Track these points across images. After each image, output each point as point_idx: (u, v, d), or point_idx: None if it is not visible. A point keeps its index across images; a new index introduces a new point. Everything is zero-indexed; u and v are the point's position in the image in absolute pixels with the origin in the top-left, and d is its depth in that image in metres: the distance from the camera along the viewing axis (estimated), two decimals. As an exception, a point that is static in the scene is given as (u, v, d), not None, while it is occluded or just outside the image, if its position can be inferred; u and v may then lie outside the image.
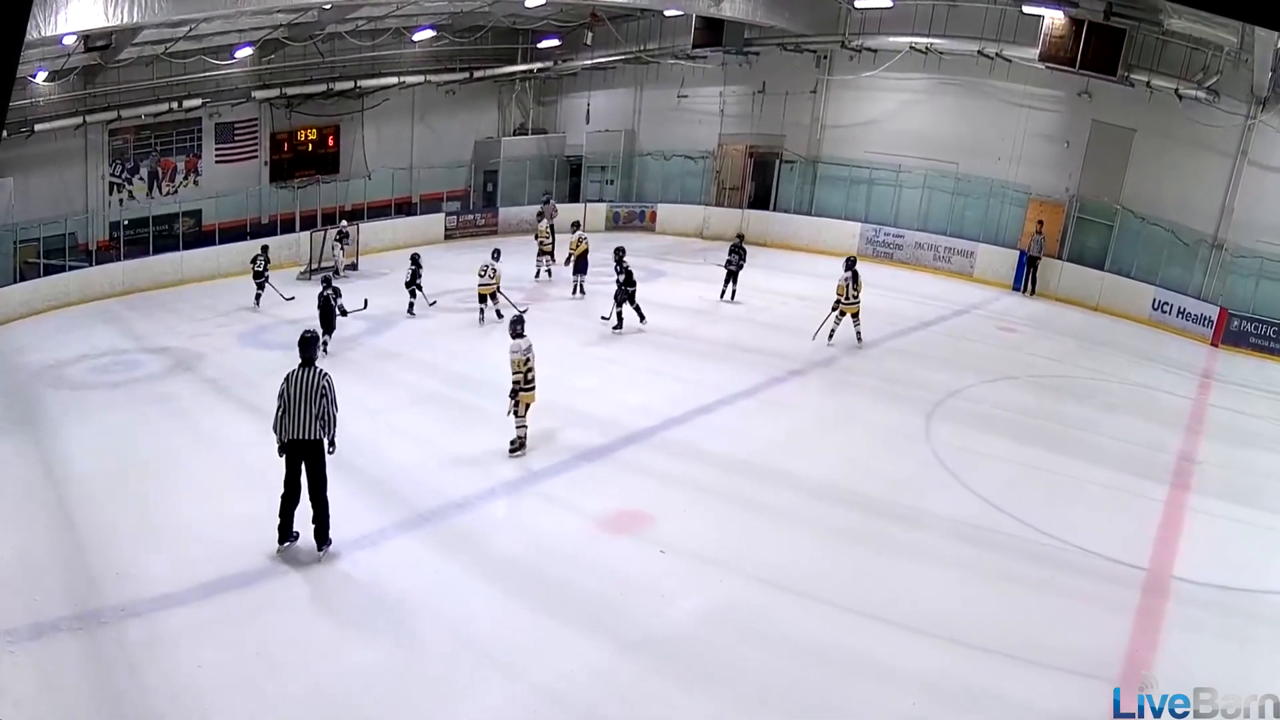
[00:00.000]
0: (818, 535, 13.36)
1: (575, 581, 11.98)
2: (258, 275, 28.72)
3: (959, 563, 12.77)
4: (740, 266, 27.95)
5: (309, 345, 12.63)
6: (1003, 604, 11.84)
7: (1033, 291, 30.62)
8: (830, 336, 23.05)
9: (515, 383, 15.46)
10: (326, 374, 12.40)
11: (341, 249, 33.17)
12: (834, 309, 22.98)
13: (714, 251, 36.56)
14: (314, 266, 32.71)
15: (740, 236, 30.20)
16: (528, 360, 15.49)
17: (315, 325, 13.67)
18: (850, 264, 23.33)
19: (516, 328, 15.76)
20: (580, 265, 29.14)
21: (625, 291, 24.39)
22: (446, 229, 39.06)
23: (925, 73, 33.64)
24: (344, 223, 33.82)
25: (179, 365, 21.83)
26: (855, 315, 22.99)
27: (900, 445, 16.86)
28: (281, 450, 12.25)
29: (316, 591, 11.74)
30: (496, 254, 26.50)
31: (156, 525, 13.29)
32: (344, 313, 22.73)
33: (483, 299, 25.55)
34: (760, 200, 39.19)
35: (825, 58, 36.47)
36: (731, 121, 39.91)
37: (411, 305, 26.54)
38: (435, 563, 12.37)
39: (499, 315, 25.30)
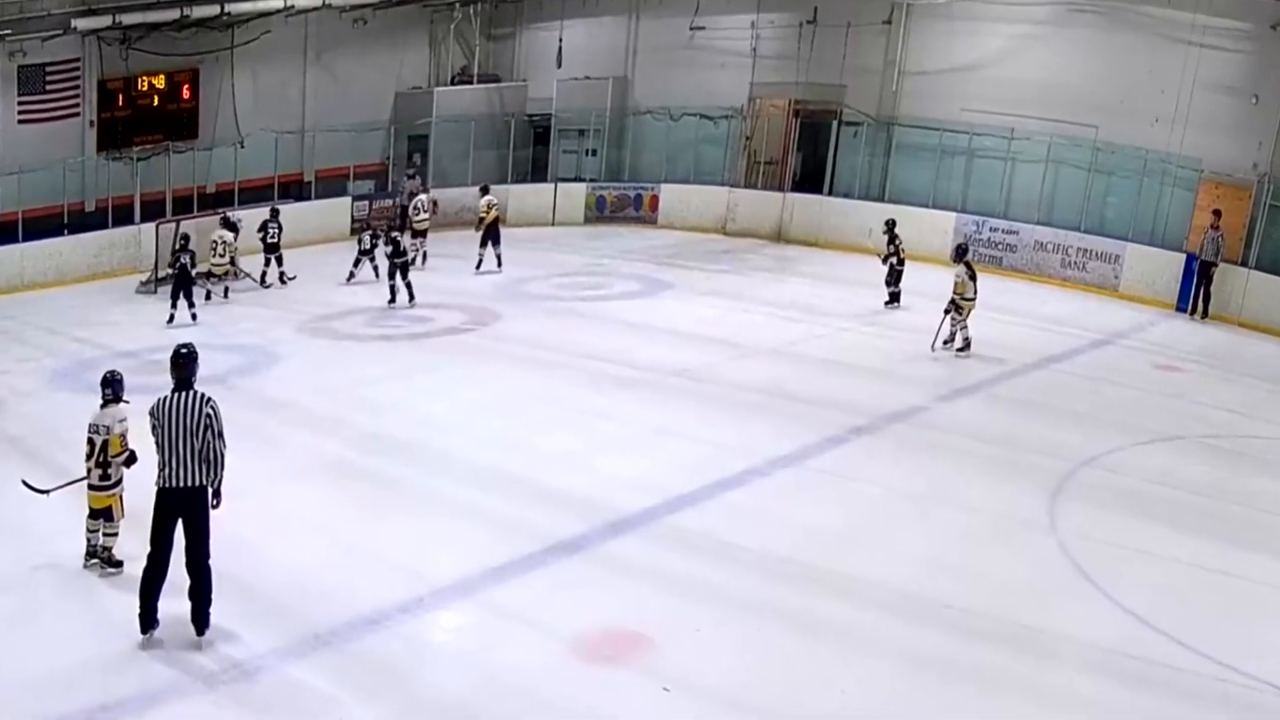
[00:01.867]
0: (892, 667, 13.34)
1: (542, 734, 11.99)
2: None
3: (1100, 705, 12.76)
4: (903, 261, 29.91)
5: (185, 363, 13.15)
6: (1162, 766, 11.86)
7: (1205, 313, 30.81)
8: (953, 343, 25.80)
9: (104, 466, 14.72)
10: (210, 399, 13.10)
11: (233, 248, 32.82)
12: (951, 310, 25.57)
13: (742, 253, 36.80)
14: (159, 276, 32.67)
15: (892, 223, 30.59)
16: (122, 438, 14.69)
17: (169, 347, 13.68)
18: (962, 253, 25.90)
19: (108, 390, 14.86)
20: (491, 235, 34.07)
21: (394, 263, 29.63)
22: (355, 220, 39.12)
23: (1050, -4, 33.95)
24: (229, 213, 33.83)
25: None
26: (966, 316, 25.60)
27: (1013, 536, 16.92)
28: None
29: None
30: (228, 222, 31.91)
31: (-70, 651, 13.24)
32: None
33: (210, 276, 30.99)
34: (810, 179, 39.41)
35: (905, -26, 36.83)
36: (769, 66, 40.14)
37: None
38: (338, 707, 12.39)
39: (224, 294, 31.13)
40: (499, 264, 34.30)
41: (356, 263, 32.75)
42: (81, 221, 36.12)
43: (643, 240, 39.03)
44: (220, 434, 12.97)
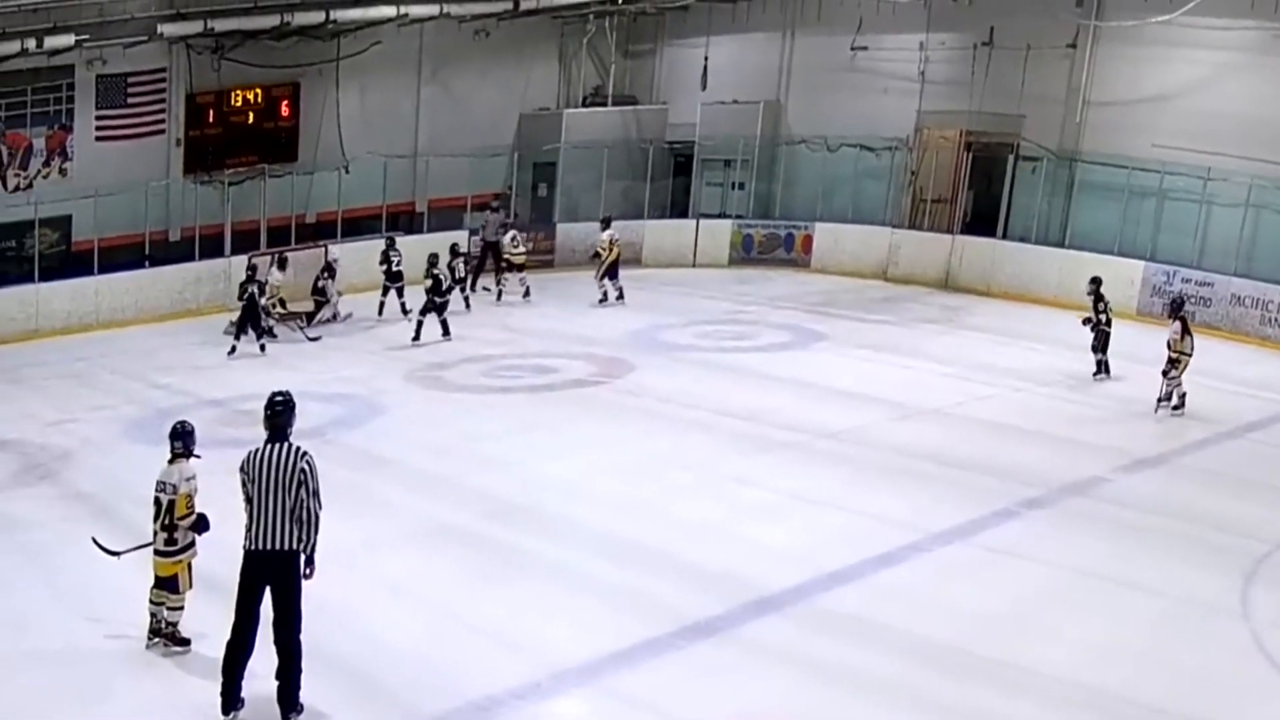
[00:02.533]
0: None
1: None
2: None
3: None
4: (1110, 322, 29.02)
5: (280, 413, 13.24)
6: None
7: None
8: (1173, 403, 25.82)
9: (169, 529, 14.60)
10: (306, 453, 13.06)
11: (331, 288, 34.10)
12: (1168, 369, 25.74)
13: (905, 301, 36.72)
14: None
15: (1097, 281, 29.25)
16: (189, 498, 14.59)
17: (262, 395, 13.70)
18: (1177, 308, 26.22)
19: (177, 443, 14.82)
20: (610, 272, 35.66)
21: (433, 301, 31.73)
22: (470, 256, 38.92)
23: (1256, 19, 33.74)
24: (326, 248, 34.62)
25: (29, 471, 22.14)
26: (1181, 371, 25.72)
27: (1201, 624, 16.71)
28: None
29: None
30: (282, 261, 32.89)
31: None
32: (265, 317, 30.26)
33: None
34: (981, 220, 39.17)
35: (1093, -10, 36.67)
36: (938, 92, 40.13)
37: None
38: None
39: (272, 334, 31.94)
40: (621, 295, 35.82)
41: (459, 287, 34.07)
42: (165, 253, 36.38)
43: (794, 285, 39.19)
44: (315, 493, 12.94)
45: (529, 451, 22.99)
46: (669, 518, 19.66)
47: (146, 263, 35.72)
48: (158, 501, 14.54)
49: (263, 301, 30.91)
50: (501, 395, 27.33)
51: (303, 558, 12.86)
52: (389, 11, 38.78)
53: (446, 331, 31.73)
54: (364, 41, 39.95)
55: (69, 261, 34.71)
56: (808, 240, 41.80)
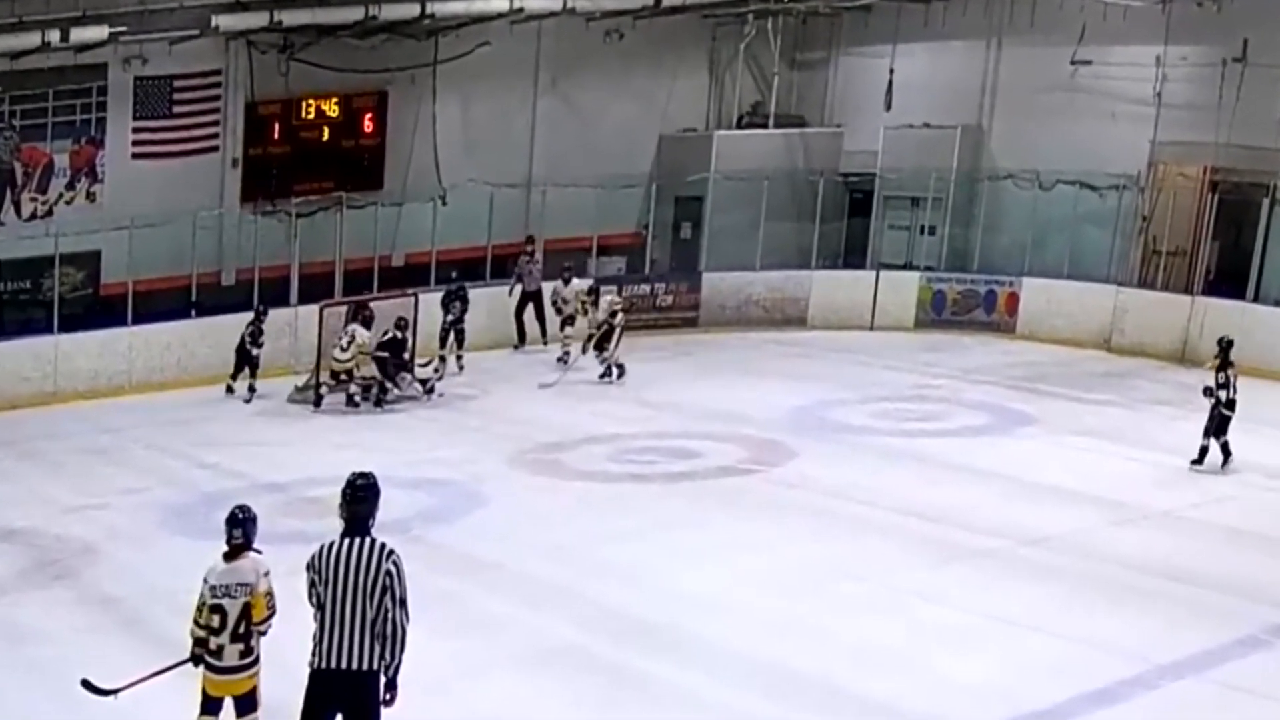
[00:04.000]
0: None
1: None
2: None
3: None
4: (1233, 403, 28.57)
5: (362, 498, 12.96)
6: None
7: None
8: None
9: (244, 638, 13.92)
10: (393, 552, 12.76)
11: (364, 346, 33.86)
12: None
13: (1131, 377, 36.60)
14: (319, 379, 33.32)
15: (1227, 344, 29.32)
16: (268, 596, 13.92)
17: (334, 479, 13.63)
18: None
19: (237, 532, 13.98)
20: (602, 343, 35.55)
21: (393, 362, 32.46)
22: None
23: None
24: (416, 297, 35.03)
25: (41, 568, 22.37)
26: None
27: None
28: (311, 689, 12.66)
29: None
30: (365, 317, 32.52)
31: None
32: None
33: (336, 377, 32.92)
34: (1229, 278, 38.85)
35: (1367, -6, 36.51)
36: (1178, 119, 39.98)
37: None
38: None
39: (353, 402, 32.84)
40: (609, 372, 35.91)
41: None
42: (216, 299, 36.45)
43: (995, 355, 39.40)
44: (403, 601, 12.57)
45: (663, 556, 22.87)
46: (834, 641, 19.52)
47: (193, 311, 35.94)
48: (219, 609, 13.69)
49: (338, 359, 32.23)
50: (631, 485, 27.30)
51: (383, 680, 12.56)
52: (500, 5, 38.39)
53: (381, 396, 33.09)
54: (468, 42, 39.93)
55: (96, 308, 35.07)
56: (1012, 299, 41.72)
